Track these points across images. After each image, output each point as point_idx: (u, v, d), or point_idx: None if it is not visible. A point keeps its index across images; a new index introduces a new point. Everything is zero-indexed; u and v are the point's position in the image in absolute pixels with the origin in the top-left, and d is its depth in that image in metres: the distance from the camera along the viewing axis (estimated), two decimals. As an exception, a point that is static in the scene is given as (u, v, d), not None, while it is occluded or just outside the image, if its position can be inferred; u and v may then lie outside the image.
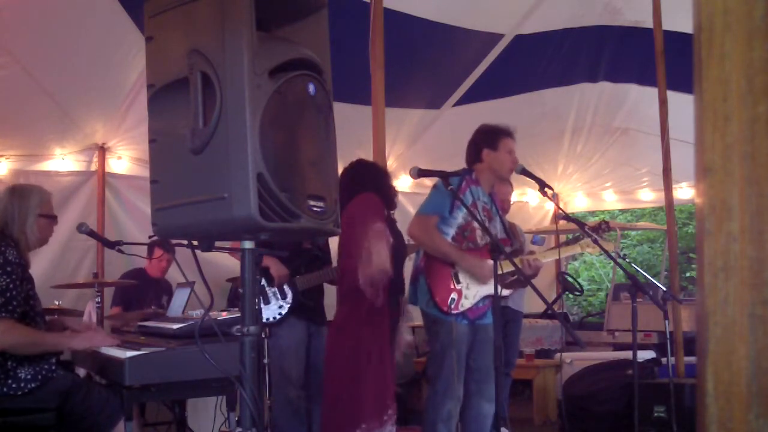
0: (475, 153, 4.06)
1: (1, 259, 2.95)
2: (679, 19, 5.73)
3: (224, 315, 3.27)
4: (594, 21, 6.73)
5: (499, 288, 3.84)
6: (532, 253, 4.34)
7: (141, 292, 5.44)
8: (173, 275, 5.66)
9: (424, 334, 4.35)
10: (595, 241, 4.04)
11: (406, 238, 4.08)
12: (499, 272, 3.85)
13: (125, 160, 6.29)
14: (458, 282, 3.82)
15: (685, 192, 8.16)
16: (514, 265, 3.57)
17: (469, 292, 3.83)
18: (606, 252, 4.08)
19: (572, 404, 5.48)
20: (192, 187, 1.82)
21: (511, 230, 5.34)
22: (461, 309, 3.80)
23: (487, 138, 4.03)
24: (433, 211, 3.85)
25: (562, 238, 5.10)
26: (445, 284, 3.81)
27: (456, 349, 3.77)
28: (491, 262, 3.90)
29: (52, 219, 3.30)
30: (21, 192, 3.24)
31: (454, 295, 3.80)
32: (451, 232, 3.87)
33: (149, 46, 1.96)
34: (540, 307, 6.62)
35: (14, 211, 3.14)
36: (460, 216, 3.88)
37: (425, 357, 6.15)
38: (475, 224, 3.91)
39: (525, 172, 3.79)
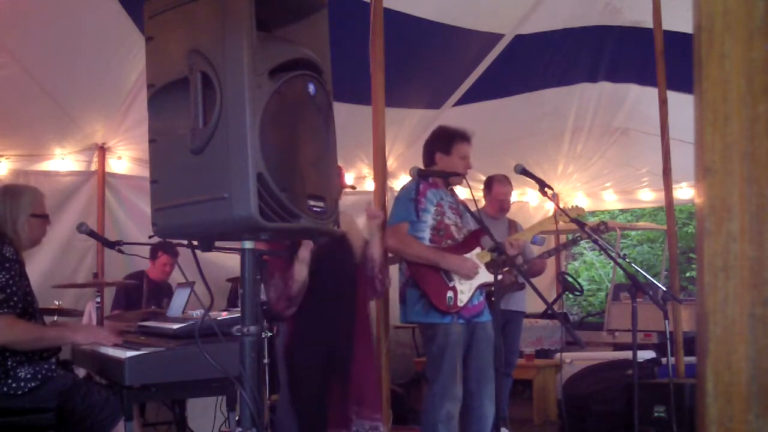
0: (428, 156, 4.07)
1: None
2: (679, 19, 5.72)
3: (224, 315, 3.27)
4: (594, 21, 6.73)
5: (492, 277, 3.85)
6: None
7: (141, 295, 5.45)
8: (173, 275, 5.68)
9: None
10: (596, 242, 4.04)
11: None
12: (483, 261, 3.87)
13: (125, 160, 6.30)
14: (450, 279, 3.83)
15: (685, 192, 8.16)
16: (515, 265, 3.58)
17: (464, 287, 3.84)
18: (606, 251, 4.08)
19: (572, 404, 5.48)
20: (192, 187, 1.82)
21: (512, 228, 5.35)
22: (460, 305, 3.80)
23: (441, 142, 4.05)
24: (400, 219, 3.88)
25: (563, 238, 5.11)
26: (439, 285, 3.81)
27: (454, 350, 3.77)
28: (475, 252, 3.92)
29: (44, 219, 3.29)
30: (13, 192, 3.24)
31: (450, 293, 3.80)
32: (426, 235, 3.89)
33: (149, 46, 1.96)
34: (540, 307, 6.62)
35: (6, 211, 3.13)
36: (429, 218, 3.90)
37: (425, 357, 6.15)
38: (447, 221, 3.93)
39: (525, 172, 3.80)
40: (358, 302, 3.50)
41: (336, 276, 3.42)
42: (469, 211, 3.83)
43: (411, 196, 3.89)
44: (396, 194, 4.06)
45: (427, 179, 3.94)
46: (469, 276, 3.83)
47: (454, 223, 3.96)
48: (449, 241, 3.92)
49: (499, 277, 3.48)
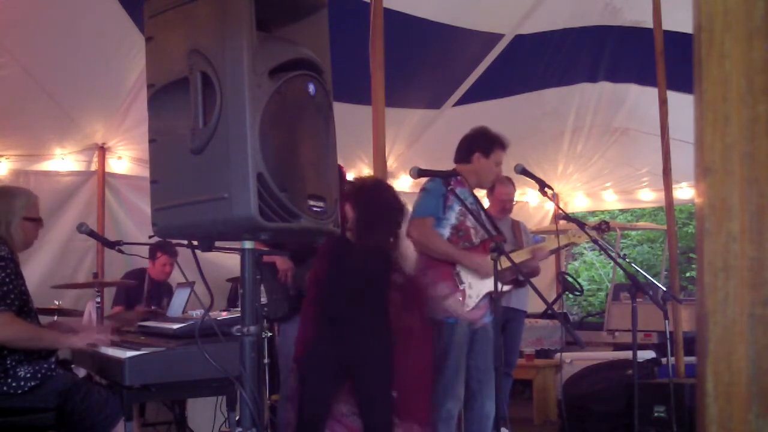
0: (466, 152, 4.03)
1: None
2: (679, 19, 5.72)
3: (224, 315, 3.27)
4: (594, 21, 6.73)
5: (500, 285, 3.84)
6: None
7: (141, 293, 5.45)
8: (173, 275, 5.67)
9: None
10: (596, 242, 4.04)
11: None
12: (500, 268, 3.85)
13: (125, 160, 6.30)
14: (461, 282, 3.82)
15: (685, 192, 8.16)
16: (513, 264, 3.57)
17: (472, 292, 3.84)
18: (606, 251, 4.07)
19: (572, 404, 5.48)
20: (192, 187, 1.82)
21: (515, 228, 5.35)
22: (466, 309, 3.80)
23: (483, 143, 4.01)
24: (428, 213, 3.85)
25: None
26: (448, 286, 3.81)
27: (458, 350, 3.77)
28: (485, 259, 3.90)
29: (38, 222, 3.28)
30: (6, 194, 3.24)
31: (458, 296, 3.80)
32: (446, 233, 3.87)
33: (149, 46, 1.96)
34: (540, 307, 6.62)
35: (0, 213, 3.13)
36: (453, 216, 3.88)
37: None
38: (468, 223, 3.91)
39: (525, 172, 3.79)
40: (394, 313, 3.49)
41: (352, 282, 3.43)
42: (488, 217, 3.81)
43: (442, 192, 3.83)
44: (424, 186, 4.01)
45: (457, 177, 3.89)
46: (488, 275, 3.82)
47: (473, 226, 3.94)
48: (466, 243, 3.91)
49: (507, 287, 3.47)
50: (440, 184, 3.82)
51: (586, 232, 4.02)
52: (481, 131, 4.08)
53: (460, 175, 3.82)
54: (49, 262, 5.77)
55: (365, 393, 3.42)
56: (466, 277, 3.84)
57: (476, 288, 3.85)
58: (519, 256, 4.12)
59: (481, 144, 4.01)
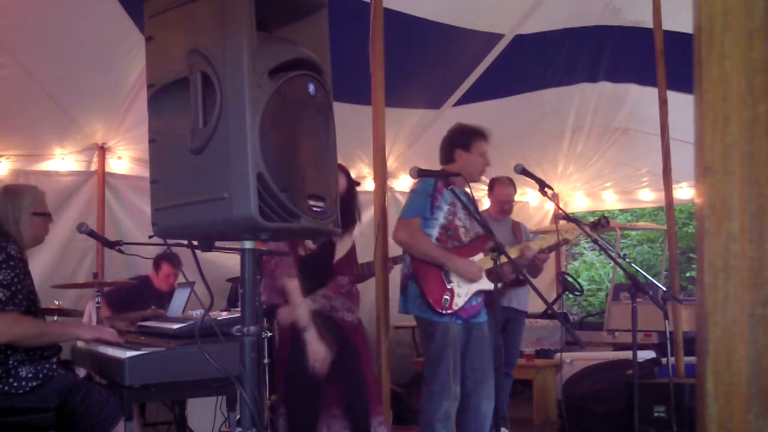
0: (448, 153, 4.06)
1: (3, 254, 2.96)
2: (679, 19, 5.73)
3: (224, 315, 3.27)
4: (594, 21, 6.73)
5: (490, 285, 3.85)
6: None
7: (142, 299, 5.43)
8: (173, 275, 5.67)
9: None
10: (596, 241, 4.04)
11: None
12: (491, 265, 3.86)
13: (125, 160, 6.30)
14: (449, 281, 3.83)
15: (685, 192, 8.16)
16: (512, 263, 3.57)
17: (461, 290, 3.84)
18: (606, 251, 4.06)
19: (572, 404, 5.48)
20: (192, 187, 1.82)
21: (515, 229, 5.35)
22: (455, 308, 3.80)
23: (461, 139, 4.04)
24: (415, 213, 3.87)
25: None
26: (437, 285, 3.81)
27: (452, 350, 3.77)
28: (478, 258, 3.91)
29: (47, 217, 3.31)
30: (14, 192, 3.26)
31: (446, 295, 3.80)
32: (435, 233, 3.88)
33: (149, 46, 1.96)
34: (540, 307, 6.62)
35: (8, 211, 3.15)
36: (441, 216, 3.89)
37: (424, 355, 6.15)
38: (458, 222, 3.92)
39: (525, 172, 3.79)
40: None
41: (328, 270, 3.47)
42: (478, 214, 3.82)
43: (429, 192, 3.86)
44: (413, 187, 4.03)
45: (457, 176, 3.90)
46: (473, 280, 3.83)
47: (463, 225, 3.95)
48: (455, 243, 3.91)
49: (500, 285, 3.48)
50: (428, 184, 3.85)
51: (586, 232, 4.02)
52: (457, 128, 4.14)
53: (460, 174, 3.83)
54: (49, 262, 5.77)
55: (350, 392, 3.45)
56: (455, 277, 3.84)
57: (465, 287, 3.85)
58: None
59: (458, 140, 4.05)
